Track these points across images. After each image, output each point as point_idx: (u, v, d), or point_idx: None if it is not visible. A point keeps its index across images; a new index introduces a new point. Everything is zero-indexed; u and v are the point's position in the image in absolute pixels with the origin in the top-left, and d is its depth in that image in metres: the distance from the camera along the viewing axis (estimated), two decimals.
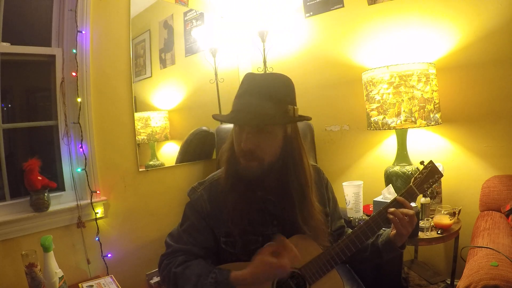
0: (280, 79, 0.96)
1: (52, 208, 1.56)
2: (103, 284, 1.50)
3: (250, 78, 0.96)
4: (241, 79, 0.99)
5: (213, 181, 1.05)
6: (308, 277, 0.98)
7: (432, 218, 1.60)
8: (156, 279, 1.92)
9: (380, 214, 1.01)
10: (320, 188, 1.11)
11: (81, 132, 1.66)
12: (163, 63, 2.18)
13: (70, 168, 1.68)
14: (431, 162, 1.05)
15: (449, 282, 1.72)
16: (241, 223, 0.97)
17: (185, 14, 2.29)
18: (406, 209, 0.98)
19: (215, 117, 1.01)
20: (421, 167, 1.06)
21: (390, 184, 1.73)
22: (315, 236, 1.00)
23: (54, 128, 1.69)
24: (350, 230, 1.20)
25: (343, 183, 1.78)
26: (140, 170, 1.94)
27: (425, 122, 1.64)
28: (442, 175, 1.05)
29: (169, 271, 0.98)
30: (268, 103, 0.90)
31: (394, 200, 1.01)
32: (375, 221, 1.01)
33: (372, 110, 1.76)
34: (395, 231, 1.00)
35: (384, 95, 1.69)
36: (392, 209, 0.98)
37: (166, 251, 1.03)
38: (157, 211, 1.99)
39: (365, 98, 1.84)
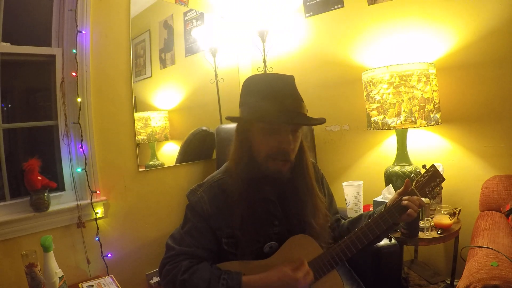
0: (292, 79, 0.98)
1: (52, 208, 1.56)
2: (103, 284, 1.50)
3: (270, 79, 0.97)
4: (241, 79, 0.99)
5: (213, 182, 1.04)
6: None
7: (432, 218, 1.60)
8: (156, 279, 1.92)
9: (381, 215, 1.01)
10: (317, 183, 1.13)
11: (81, 132, 1.66)
12: (163, 63, 2.18)
13: (70, 168, 1.68)
14: (433, 166, 1.06)
15: (449, 282, 1.72)
16: (249, 228, 0.97)
17: (185, 14, 2.29)
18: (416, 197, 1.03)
19: (259, 119, 0.93)
20: (423, 170, 1.07)
21: (390, 184, 1.73)
22: (321, 230, 1.03)
23: (54, 128, 1.69)
24: (343, 220, 1.22)
25: (343, 183, 1.78)
26: (140, 170, 1.94)
27: (425, 122, 1.65)
28: (444, 179, 1.05)
29: (174, 278, 0.95)
30: (299, 103, 0.94)
31: (400, 200, 1.02)
32: (376, 222, 1.01)
33: (372, 110, 1.76)
34: (405, 215, 1.02)
35: (384, 95, 1.69)
36: (406, 197, 1.01)
37: (168, 254, 1.00)
38: (157, 211, 1.99)
39: (365, 98, 1.84)
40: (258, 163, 0.97)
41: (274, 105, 0.91)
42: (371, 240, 1.02)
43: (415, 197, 1.02)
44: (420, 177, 1.05)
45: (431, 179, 1.04)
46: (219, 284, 0.90)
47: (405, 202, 1.00)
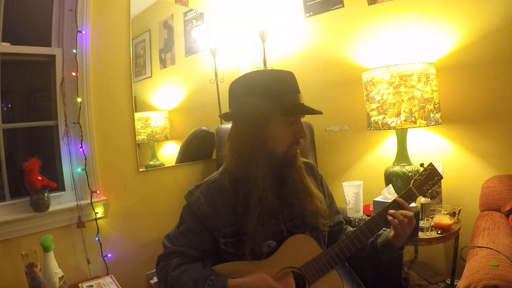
0: (291, 74, 1.02)
1: (52, 208, 1.56)
2: (103, 284, 1.50)
3: (272, 76, 0.99)
4: None
5: (210, 183, 1.05)
6: (308, 276, 0.99)
7: (432, 218, 1.60)
8: (156, 279, 1.92)
9: (380, 215, 1.01)
10: (315, 183, 1.13)
11: (81, 132, 1.66)
12: (163, 63, 2.18)
13: (70, 168, 1.68)
14: (430, 164, 1.05)
15: (449, 282, 1.72)
16: (247, 227, 0.96)
17: (185, 14, 2.29)
18: (406, 211, 0.99)
19: (290, 110, 0.97)
20: (421, 169, 1.07)
21: (390, 184, 1.72)
22: (320, 229, 1.04)
23: (54, 128, 1.69)
24: (349, 228, 1.21)
25: (343, 183, 1.78)
26: (140, 170, 1.94)
27: (425, 122, 1.64)
28: (441, 177, 1.05)
29: (165, 274, 0.99)
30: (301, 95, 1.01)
31: (394, 201, 1.01)
32: (375, 222, 1.01)
33: (372, 110, 1.76)
34: (394, 232, 1.00)
35: (384, 95, 1.69)
36: (391, 211, 0.98)
37: (163, 252, 1.04)
38: (157, 211, 1.99)
39: (365, 98, 1.84)
40: (278, 155, 0.99)
41: (290, 99, 0.96)
42: (374, 248, 1.03)
43: (402, 211, 0.99)
44: (418, 176, 1.05)
45: (429, 178, 1.04)
46: (205, 285, 0.92)
47: (389, 218, 0.98)
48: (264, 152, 0.97)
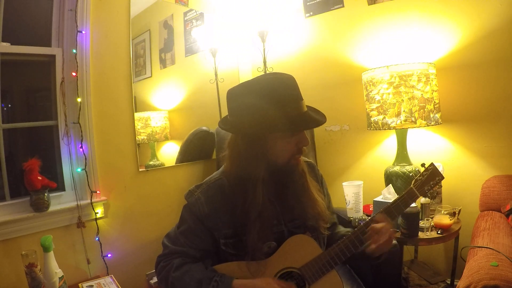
0: (292, 79, 0.98)
1: (52, 208, 1.56)
2: (103, 284, 1.50)
3: (273, 83, 0.94)
4: (241, 80, 0.99)
5: (210, 183, 1.05)
6: (308, 277, 0.99)
7: (432, 218, 1.60)
8: (156, 279, 1.92)
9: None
10: (316, 183, 1.13)
11: (81, 132, 1.66)
12: (163, 63, 2.18)
13: (70, 168, 1.68)
14: (432, 164, 1.05)
15: (449, 282, 1.72)
16: (248, 228, 0.96)
17: (185, 14, 2.29)
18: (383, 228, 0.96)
19: (294, 128, 0.94)
20: (422, 169, 1.07)
21: (390, 184, 1.73)
22: (319, 229, 1.04)
23: (54, 128, 1.69)
24: (341, 227, 1.21)
25: (343, 183, 1.78)
26: (140, 170, 1.94)
27: (425, 122, 1.64)
28: (443, 177, 1.05)
29: (167, 275, 0.98)
30: (303, 101, 0.98)
31: (373, 217, 1.01)
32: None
33: (372, 110, 1.76)
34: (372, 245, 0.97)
35: (384, 95, 1.69)
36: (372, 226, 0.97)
37: (163, 252, 1.03)
38: (157, 211, 1.99)
39: (365, 98, 1.84)
40: (279, 165, 0.98)
41: (293, 110, 0.92)
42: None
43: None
44: (419, 176, 1.05)
45: (430, 178, 1.04)
46: (209, 286, 0.92)
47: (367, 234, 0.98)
48: (265, 162, 0.96)
